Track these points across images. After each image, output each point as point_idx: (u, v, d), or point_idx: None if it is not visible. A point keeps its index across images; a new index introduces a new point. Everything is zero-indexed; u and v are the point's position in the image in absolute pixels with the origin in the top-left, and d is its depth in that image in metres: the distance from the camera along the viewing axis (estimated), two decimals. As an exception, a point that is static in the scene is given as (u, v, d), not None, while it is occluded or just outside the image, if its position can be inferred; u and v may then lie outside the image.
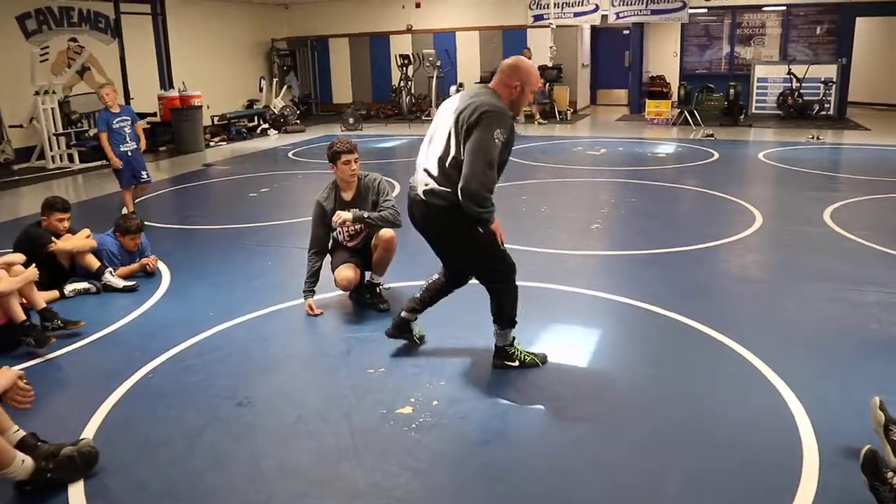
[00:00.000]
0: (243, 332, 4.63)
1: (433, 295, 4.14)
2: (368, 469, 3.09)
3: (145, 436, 3.39)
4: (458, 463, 3.14)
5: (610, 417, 3.52)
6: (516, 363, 3.95)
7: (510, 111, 3.61)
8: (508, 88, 3.64)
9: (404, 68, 17.13)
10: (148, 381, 3.97)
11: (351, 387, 3.83)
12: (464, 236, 3.73)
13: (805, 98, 15.34)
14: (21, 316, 4.34)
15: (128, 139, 7.70)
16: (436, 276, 4.13)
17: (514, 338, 3.99)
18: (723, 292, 5.26)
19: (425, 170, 3.74)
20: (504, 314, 3.91)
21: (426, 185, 3.71)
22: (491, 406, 3.62)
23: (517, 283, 3.88)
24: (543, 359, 4.02)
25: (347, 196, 4.89)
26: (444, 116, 3.71)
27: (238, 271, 5.94)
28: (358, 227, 4.84)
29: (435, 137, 3.75)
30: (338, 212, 4.73)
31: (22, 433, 3.07)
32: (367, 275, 4.99)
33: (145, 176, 7.94)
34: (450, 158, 3.60)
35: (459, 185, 3.51)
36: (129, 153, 7.72)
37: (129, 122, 7.78)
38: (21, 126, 12.31)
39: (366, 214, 4.70)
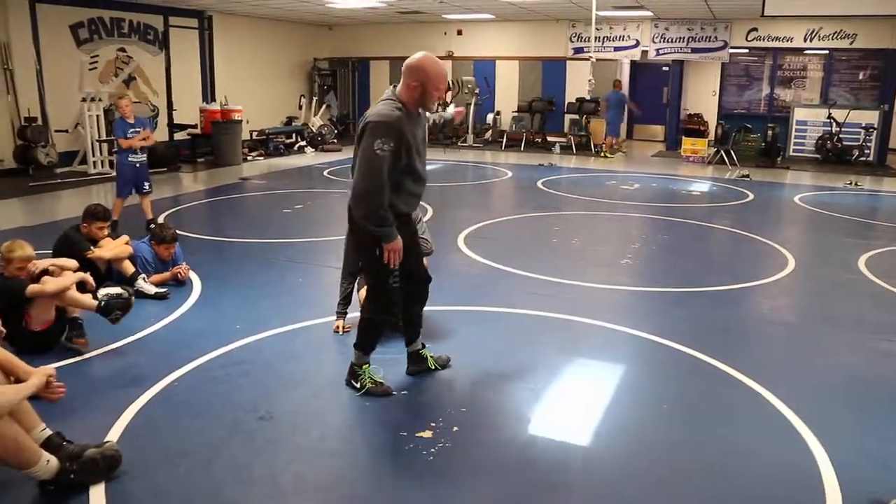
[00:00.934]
0: (270, 347, 4.67)
1: (407, 319, 4.19)
2: (387, 491, 3.10)
3: (167, 443, 3.43)
4: (476, 491, 3.13)
5: (629, 454, 3.49)
6: (359, 385, 3.94)
7: (413, 111, 3.64)
8: (408, 89, 3.65)
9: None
10: (173, 389, 4.02)
11: (373, 408, 3.84)
12: (363, 251, 3.83)
13: (844, 143, 15.17)
14: (91, 304, 4.47)
15: (137, 151, 7.83)
16: None
17: (367, 362, 3.99)
18: (751, 335, 5.20)
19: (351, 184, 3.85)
20: (360, 339, 3.98)
21: (349, 198, 3.78)
22: (511, 436, 3.61)
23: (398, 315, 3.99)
24: (387, 391, 3.95)
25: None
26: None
27: (268, 285, 6.01)
28: None
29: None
30: None
31: (48, 432, 3.12)
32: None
33: (147, 187, 8.00)
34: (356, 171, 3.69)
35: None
36: (137, 165, 7.85)
37: None
38: (66, 131, 12.62)
39: None
